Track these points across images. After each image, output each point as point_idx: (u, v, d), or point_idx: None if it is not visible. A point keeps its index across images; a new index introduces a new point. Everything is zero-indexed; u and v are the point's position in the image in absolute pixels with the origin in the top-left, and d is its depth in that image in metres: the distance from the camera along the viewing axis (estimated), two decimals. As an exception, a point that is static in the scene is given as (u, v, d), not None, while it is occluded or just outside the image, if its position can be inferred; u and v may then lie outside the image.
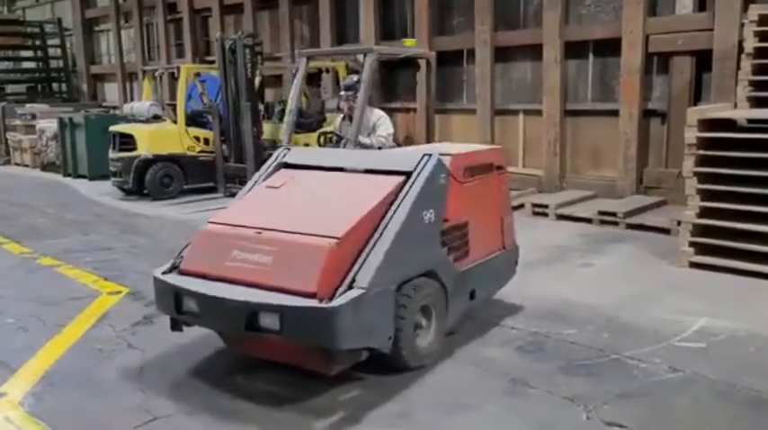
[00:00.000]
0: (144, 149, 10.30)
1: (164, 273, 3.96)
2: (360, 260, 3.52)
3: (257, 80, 10.51)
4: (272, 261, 3.59)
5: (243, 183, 10.09)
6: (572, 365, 4.06)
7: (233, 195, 10.21)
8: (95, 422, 3.58)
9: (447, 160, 4.12)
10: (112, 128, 10.87)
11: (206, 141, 10.68)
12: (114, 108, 17.82)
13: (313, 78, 12.58)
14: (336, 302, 3.32)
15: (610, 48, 9.16)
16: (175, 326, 4.02)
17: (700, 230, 6.04)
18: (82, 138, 12.78)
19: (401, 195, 3.82)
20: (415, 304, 3.80)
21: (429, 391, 3.77)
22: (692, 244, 6.05)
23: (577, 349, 4.30)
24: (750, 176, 5.68)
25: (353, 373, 3.81)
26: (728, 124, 5.96)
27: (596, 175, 9.50)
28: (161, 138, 10.46)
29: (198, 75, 11.48)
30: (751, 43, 6.56)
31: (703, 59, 8.29)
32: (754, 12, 6.62)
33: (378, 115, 6.02)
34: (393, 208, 3.76)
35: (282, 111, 10.56)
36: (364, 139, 5.99)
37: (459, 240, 4.25)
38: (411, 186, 3.86)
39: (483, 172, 4.51)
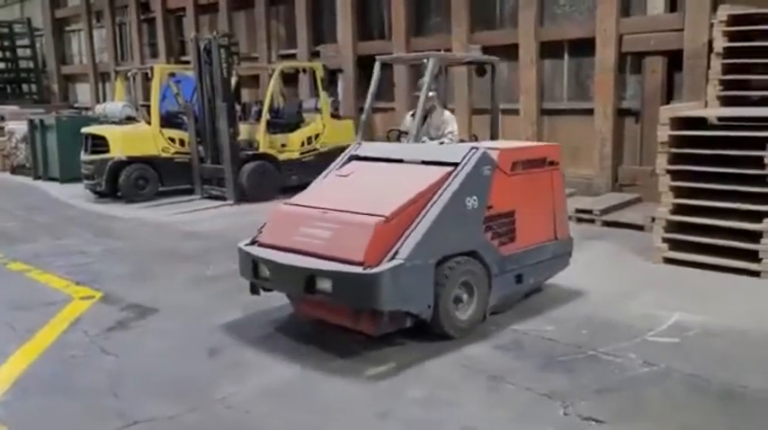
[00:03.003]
0: (117, 151, 10.16)
1: (246, 245, 4.66)
2: (404, 236, 4.08)
3: (233, 80, 10.44)
4: (331, 235, 4.21)
5: (220, 184, 10.10)
6: (550, 362, 4.09)
7: (210, 197, 10.23)
8: (68, 428, 3.52)
9: (494, 154, 4.61)
10: (84, 129, 10.72)
11: (181, 142, 10.57)
12: (86, 109, 17.59)
13: (290, 79, 12.56)
14: (377, 269, 3.91)
15: (584, 47, 9.27)
16: (254, 289, 4.73)
17: (673, 227, 6.13)
18: (53, 140, 12.59)
19: (446, 183, 4.37)
20: (454, 279, 4.31)
21: (409, 388, 3.78)
22: (665, 240, 6.13)
23: (555, 346, 4.34)
24: (721, 173, 5.77)
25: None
26: (700, 122, 6.06)
27: (573, 173, 9.58)
28: (135, 139, 10.33)
29: (172, 75, 11.37)
30: (720, 43, 6.67)
31: (675, 59, 8.43)
32: (723, 12, 6.74)
33: (446, 115, 6.41)
34: (438, 193, 4.31)
35: (259, 112, 10.53)
36: (424, 137, 6.29)
37: (505, 227, 4.69)
38: (456, 175, 4.41)
39: (534, 166, 4.92)
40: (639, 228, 7.29)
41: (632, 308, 5.00)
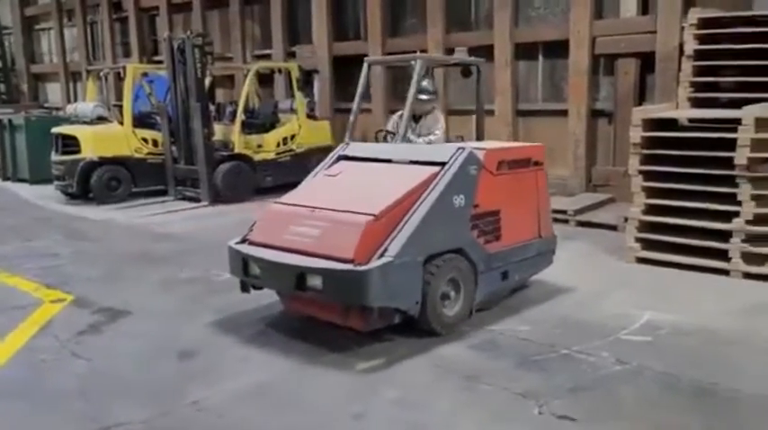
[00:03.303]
0: (89, 152, 9.99)
1: (237, 243, 4.70)
2: (393, 234, 4.16)
3: (207, 80, 10.34)
4: (320, 233, 4.28)
5: (194, 185, 10.00)
6: (525, 361, 4.11)
7: (184, 198, 10.11)
8: (38, 434, 3.46)
9: (480, 154, 4.70)
10: (55, 129, 10.52)
11: (155, 143, 10.43)
12: (57, 109, 17.28)
13: (265, 79, 12.48)
14: (367, 266, 3.98)
15: (558, 49, 9.36)
16: (244, 287, 4.78)
17: (645, 227, 6.21)
18: (22, 141, 12.33)
19: (434, 182, 4.45)
20: (441, 276, 4.39)
21: (384, 389, 3.77)
22: (638, 240, 6.22)
23: (530, 345, 4.36)
24: (692, 174, 5.87)
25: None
26: (671, 124, 6.15)
27: (548, 174, 9.64)
28: (107, 139, 10.17)
29: (145, 75, 11.24)
30: (691, 46, 6.78)
31: (647, 61, 8.54)
32: (694, 15, 6.86)
33: (436, 117, 6.50)
34: (426, 192, 4.39)
35: (234, 113, 10.44)
36: (413, 137, 6.37)
37: (491, 225, 4.79)
38: (443, 175, 4.49)
39: (519, 166, 5.03)
40: (613, 228, 7.38)
41: (605, 307, 5.05)
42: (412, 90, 5.83)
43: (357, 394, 3.76)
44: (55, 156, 10.35)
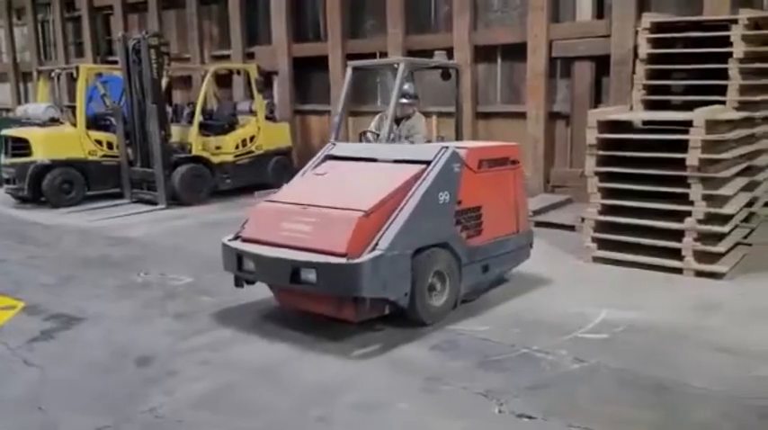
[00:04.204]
0: (40, 154, 9.71)
1: (230, 240, 4.86)
2: (383, 229, 4.35)
3: (164, 81, 10.17)
4: (313, 229, 4.47)
5: (151, 188, 9.81)
6: (485, 361, 4.14)
7: (141, 201, 9.92)
8: (-14, 446, 3.34)
9: (462, 152, 4.92)
10: (4, 131, 10.18)
11: (109, 145, 10.21)
12: (6, 110, 16.77)
13: (224, 80, 12.33)
14: (359, 260, 4.18)
15: (517, 52, 9.48)
16: (238, 282, 4.91)
17: (602, 227, 6.33)
18: (-31, 143, 11.89)
19: (420, 179, 4.66)
20: (428, 268, 4.63)
21: (344, 392, 3.75)
22: (594, 239, 6.33)
23: (490, 345, 4.40)
24: (646, 175, 6.00)
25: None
26: (625, 126, 6.28)
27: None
28: (59, 141, 9.90)
29: (99, 75, 11.01)
30: (644, 49, 6.94)
31: (602, 64, 8.72)
32: (647, 19, 7.02)
33: (422, 120, 6.84)
34: (412, 189, 4.60)
35: (192, 114, 10.29)
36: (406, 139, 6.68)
37: (473, 220, 5.02)
38: (429, 172, 4.70)
39: (498, 164, 5.26)
40: (570, 228, 7.50)
41: (564, 306, 5.13)
42: (395, 92, 6.13)
43: (317, 397, 3.73)
44: (4, 159, 10.05)
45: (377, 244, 4.29)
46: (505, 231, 5.36)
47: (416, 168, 4.76)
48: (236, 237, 4.89)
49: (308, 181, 5.22)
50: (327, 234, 4.39)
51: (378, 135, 6.66)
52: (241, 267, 4.74)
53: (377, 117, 7.13)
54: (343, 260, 4.20)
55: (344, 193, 4.74)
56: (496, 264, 5.30)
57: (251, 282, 4.91)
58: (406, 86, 6.50)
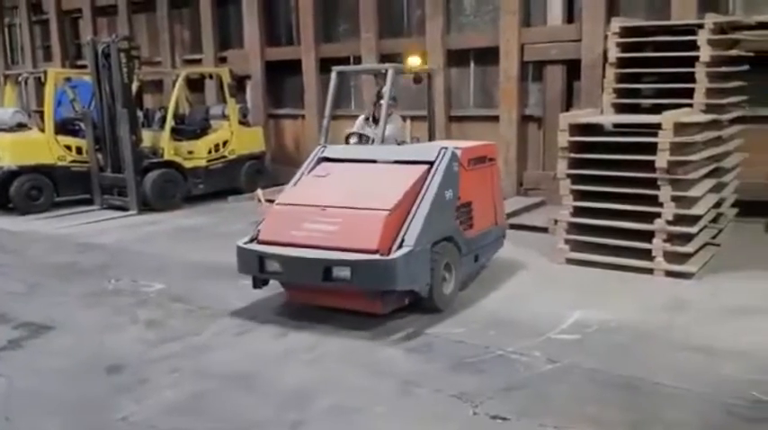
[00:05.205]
0: (7, 160, 9.49)
1: (245, 243, 4.98)
2: (405, 225, 4.67)
3: (135, 85, 10.03)
4: (339, 229, 4.68)
5: (122, 193, 9.66)
6: (460, 363, 4.16)
7: (111, 207, 9.76)
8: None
9: (458, 152, 5.23)
10: (-30, 137, 9.94)
11: (79, 150, 10.01)
12: (-27, 115, 16.34)
13: (196, 84, 12.21)
14: (395, 255, 4.49)
15: (489, 56, 9.55)
16: (257, 284, 5.09)
17: (574, 228, 6.40)
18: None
19: (428, 178, 4.96)
20: (442, 260, 4.98)
21: (319, 396, 3.73)
22: (567, 241, 6.39)
23: (465, 347, 4.42)
24: (617, 177, 6.08)
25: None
26: (596, 129, 6.36)
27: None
28: (26, 147, 9.69)
29: (68, 80, 10.79)
30: (614, 53, 7.04)
31: (574, 68, 8.82)
32: (616, 24, 7.12)
33: (398, 121, 7.38)
34: (424, 187, 4.90)
35: (163, 119, 10.16)
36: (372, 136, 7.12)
37: (467, 215, 5.44)
38: (435, 172, 5.01)
39: (481, 162, 5.70)
40: (543, 230, 7.55)
41: (537, 307, 5.17)
42: (386, 97, 6.65)
43: (292, 402, 3.70)
44: (-30, 165, 9.79)
45: (403, 240, 4.58)
46: (488, 224, 5.79)
47: (421, 168, 5.05)
48: (252, 240, 5.00)
49: (314, 183, 5.34)
50: (356, 232, 4.62)
51: (361, 136, 7.06)
52: (263, 269, 4.85)
53: (359, 119, 7.40)
54: (376, 256, 4.46)
55: (360, 194, 4.93)
56: (483, 254, 5.76)
57: (265, 284, 5.10)
58: (392, 91, 6.96)
